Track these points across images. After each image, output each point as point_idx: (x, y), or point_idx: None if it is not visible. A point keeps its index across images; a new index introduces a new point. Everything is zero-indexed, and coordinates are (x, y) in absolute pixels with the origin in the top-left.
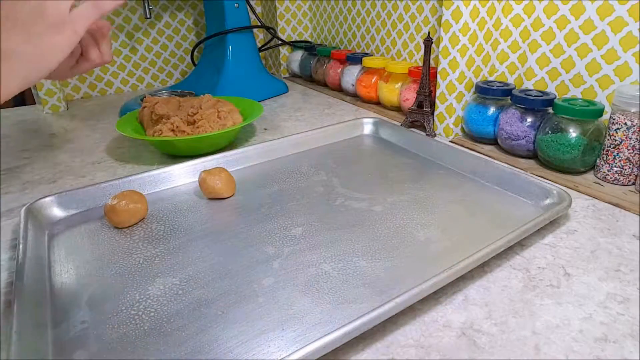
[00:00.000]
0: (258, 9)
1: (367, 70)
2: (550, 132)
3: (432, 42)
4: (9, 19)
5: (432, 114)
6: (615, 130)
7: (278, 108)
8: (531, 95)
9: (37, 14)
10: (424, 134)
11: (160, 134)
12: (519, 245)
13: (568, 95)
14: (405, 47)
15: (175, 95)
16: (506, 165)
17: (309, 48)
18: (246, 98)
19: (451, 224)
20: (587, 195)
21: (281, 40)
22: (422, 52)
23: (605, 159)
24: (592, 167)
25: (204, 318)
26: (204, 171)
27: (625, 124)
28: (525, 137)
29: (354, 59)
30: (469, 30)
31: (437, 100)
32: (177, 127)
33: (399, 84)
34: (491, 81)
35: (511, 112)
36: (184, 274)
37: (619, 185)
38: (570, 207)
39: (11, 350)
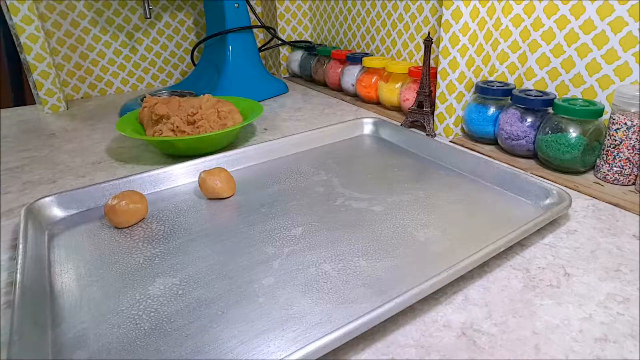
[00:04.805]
0: (258, 9)
1: (367, 70)
2: (550, 132)
3: (432, 42)
4: None
5: (432, 114)
6: (615, 130)
7: (278, 108)
8: (531, 95)
9: None
10: (424, 134)
11: (160, 134)
12: (519, 245)
13: (568, 95)
14: (405, 47)
15: (175, 95)
16: (506, 165)
17: (309, 48)
18: (246, 98)
19: (451, 224)
20: (587, 195)
21: (281, 40)
22: (422, 52)
23: (605, 159)
24: (592, 167)
25: (204, 318)
26: (204, 171)
27: (625, 124)
28: (525, 137)
29: (354, 59)
30: (469, 30)
31: (437, 100)
32: (177, 127)
33: (399, 84)
34: (491, 81)
35: (511, 112)
36: (184, 274)
37: (619, 185)
38: (570, 207)
39: (11, 350)
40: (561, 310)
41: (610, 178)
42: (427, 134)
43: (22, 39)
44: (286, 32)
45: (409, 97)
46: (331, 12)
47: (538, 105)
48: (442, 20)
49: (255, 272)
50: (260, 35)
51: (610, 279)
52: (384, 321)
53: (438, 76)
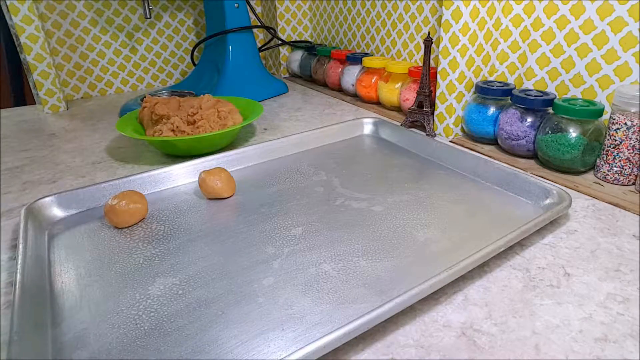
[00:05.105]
0: (258, 9)
1: (367, 70)
2: (550, 132)
3: (432, 42)
4: None
5: (432, 114)
6: (615, 130)
7: (278, 108)
8: (531, 95)
9: None
10: (424, 134)
11: (160, 134)
12: (519, 245)
13: (568, 95)
14: (405, 47)
15: (175, 95)
16: (506, 165)
17: (309, 48)
18: (246, 98)
19: (451, 224)
20: (587, 195)
21: (281, 40)
22: (422, 52)
23: (605, 159)
24: (592, 167)
25: (204, 318)
26: (204, 171)
27: (625, 124)
28: (525, 137)
29: (354, 59)
30: (469, 30)
31: (437, 100)
32: (177, 127)
33: (399, 84)
34: (491, 81)
35: (511, 112)
36: (184, 274)
37: (619, 185)
38: (570, 207)
39: (11, 350)
40: (561, 310)
41: (610, 178)
42: (427, 134)
43: (22, 39)
44: (286, 32)
45: (409, 97)
46: (331, 12)
47: (538, 105)
48: (442, 20)
49: (255, 272)
50: (260, 35)
51: (610, 279)
52: (384, 321)
53: (438, 76)
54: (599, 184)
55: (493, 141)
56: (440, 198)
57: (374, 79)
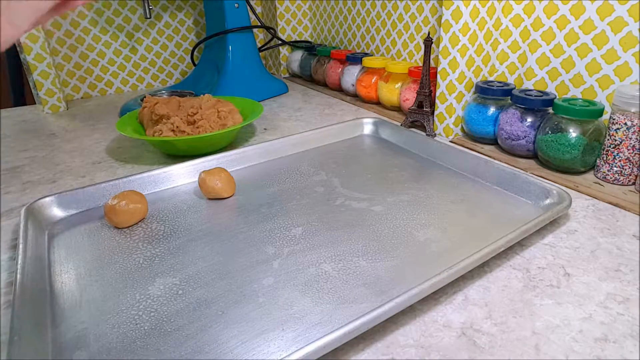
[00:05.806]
0: (258, 9)
1: (367, 70)
2: (550, 132)
3: (432, 42)
4: None
5: (432, 114)
6: (615, 130)
7: (278, 108)
8: (531, 95)
9: None
10: (424, 134)
11: (160, 134)
12: (519, 245)
13: (568, 95)
14: (405, 47)
15: (175, 95)
16: (506, 165)
17: (309, 48)
18: (246, 98)
19: (451, 224)
20: (587, 195)
21: (281, 40)
22: (422, 52)
23: (605, 159)
24: (592, 167)
25: (204, 318)
26: (204, 171)
27: (625, 124)
28: (525, 137)
29: (354, 59)
30: (469, 30)
31: (437, 100)
32: (177, 127)
33: (399, 84)
34: (491, 81)
35: (511, 112)
36: (184, 274)
37: (619, 185)
38: (570, 207)
39: (11, 350)
40: (561, 310)
41: (610, 178)
42: (427, 134)
43: (22, 39)
44: (286, 32)
45: (409, 97)
46: (331, 12)
47: (538, 105)
48: (442, 20)
49: (255, 272)
50: (260, 35)
51: (610, 279)
52: (384, 321)
53: (438, 76)
54: (599, 184)
55: (493, 141)
56: (440, 198)
57: (374, 79)
